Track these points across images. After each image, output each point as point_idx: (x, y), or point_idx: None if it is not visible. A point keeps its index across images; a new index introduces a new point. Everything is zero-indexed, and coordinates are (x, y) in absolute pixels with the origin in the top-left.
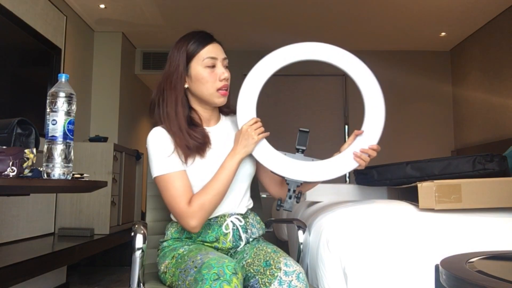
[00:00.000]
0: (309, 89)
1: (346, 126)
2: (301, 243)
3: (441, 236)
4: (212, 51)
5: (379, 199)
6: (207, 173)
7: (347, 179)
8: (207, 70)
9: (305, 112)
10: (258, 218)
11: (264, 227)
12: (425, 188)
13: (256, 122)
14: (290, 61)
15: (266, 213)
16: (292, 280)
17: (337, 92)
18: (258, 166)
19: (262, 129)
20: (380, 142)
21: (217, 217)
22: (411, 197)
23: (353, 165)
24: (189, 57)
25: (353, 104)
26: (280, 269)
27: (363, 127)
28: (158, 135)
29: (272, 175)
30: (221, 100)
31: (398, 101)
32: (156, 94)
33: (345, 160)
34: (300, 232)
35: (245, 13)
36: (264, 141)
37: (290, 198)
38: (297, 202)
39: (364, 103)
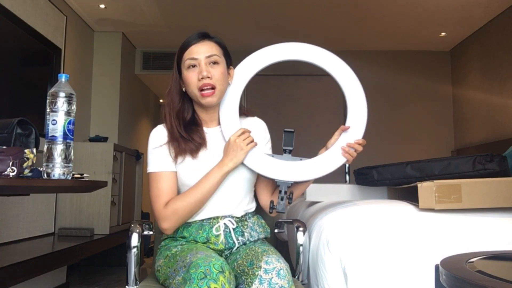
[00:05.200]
0: (309, 90)
1: None
2: (301, 245)
3: (441, 236)
4: (193, 51)
5: (379, 199)
6: (197, 173)
7: (347, 179)
8: (189, 71)
9: (305, 113)
10: (262, 221)
11: (269, 230)
12: (425, 188)
13: (244, 133)
14: (268, 64)
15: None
16: (272, 277)
17: (337, 92)
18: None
19: (251, 138)
20: (380, 143)
21: (209, 218)
22: (411, 197)
23: (340, 161)
24: (178, 61)
25: None
26: (260, 268)
27: (348, 123)
28: (156, 133)
29: (265, 185)
30: (206, 101)
31: (398, 101)
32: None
33: (333, 157)
34: (299, 233)
35: (245, 13)
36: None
37: (282, 199)
38: (289, 203)
39: (346, 100)
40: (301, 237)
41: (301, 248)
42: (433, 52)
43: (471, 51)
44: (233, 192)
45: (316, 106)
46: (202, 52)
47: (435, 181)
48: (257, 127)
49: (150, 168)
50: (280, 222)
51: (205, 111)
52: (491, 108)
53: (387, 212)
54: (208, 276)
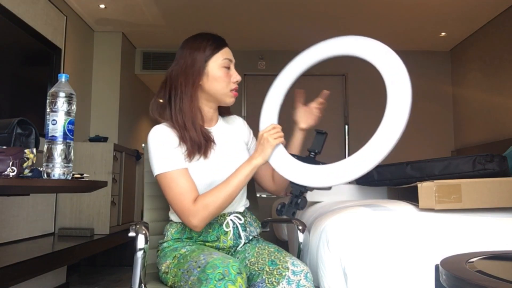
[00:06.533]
0: (309, 89)
1: (346, 126)
2: (301, 243)
3: (441, 236)
4: (228, 53)
5: (379, 199)
6: (207, 173)
7: None
8: (223, 70)
9: None
10: (254, 217)
11: (260, 225)
12: (425, 188)
13: (274, 128)
14: (317, 60)
15: (264, 212)
16: (301, 279)
17: (337, 92)
18: None
19: (281, 134)
20: None
21: (216, 216)
22: (411, 197)
23: (360, 171)
24: (208, 56)
25: (353, 104)
26: (288, 269)
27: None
28: (161, 132)
29: (264, 171)
30: (232, 100)
31: None
32: (166, 91)
33: (352, 166)
34: (299, 233)
35: (246, 13)
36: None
37: (291, 203)
38: (299, 209)
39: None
40: (301, 237)
41: (301, 248)
42: (433, 52)
43: (471, 51)
44: None
45: None
46: (232, 57)
47: (435, 181)
48: (238, 123)
49: (161, 169)
50: (265, 221)
51: (212, 109)
52: (491, 108)
53: (387, 212)
54: (226, 277)
